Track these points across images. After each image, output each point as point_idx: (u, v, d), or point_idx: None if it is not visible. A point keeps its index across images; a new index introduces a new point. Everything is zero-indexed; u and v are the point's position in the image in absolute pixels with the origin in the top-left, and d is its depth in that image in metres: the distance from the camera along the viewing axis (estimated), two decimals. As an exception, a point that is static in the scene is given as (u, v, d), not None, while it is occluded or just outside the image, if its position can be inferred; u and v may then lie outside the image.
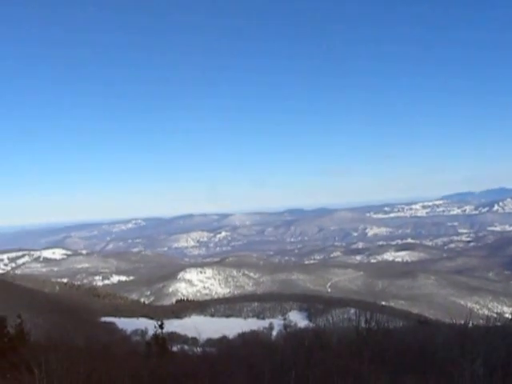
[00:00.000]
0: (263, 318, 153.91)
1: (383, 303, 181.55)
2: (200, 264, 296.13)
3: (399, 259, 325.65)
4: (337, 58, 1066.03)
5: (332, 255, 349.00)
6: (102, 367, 19.43)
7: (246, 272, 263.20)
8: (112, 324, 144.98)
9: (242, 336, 74.98)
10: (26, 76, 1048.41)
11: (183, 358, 24.17)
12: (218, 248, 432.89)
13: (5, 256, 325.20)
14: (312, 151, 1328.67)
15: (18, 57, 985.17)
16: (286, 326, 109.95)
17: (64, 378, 16.06)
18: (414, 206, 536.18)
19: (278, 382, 10.03)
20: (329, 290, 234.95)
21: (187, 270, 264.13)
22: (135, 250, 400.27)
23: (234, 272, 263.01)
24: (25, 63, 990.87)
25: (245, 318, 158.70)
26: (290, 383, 9.82)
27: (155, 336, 26.64)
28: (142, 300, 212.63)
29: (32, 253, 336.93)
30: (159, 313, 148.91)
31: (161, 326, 25.98)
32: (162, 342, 26.30)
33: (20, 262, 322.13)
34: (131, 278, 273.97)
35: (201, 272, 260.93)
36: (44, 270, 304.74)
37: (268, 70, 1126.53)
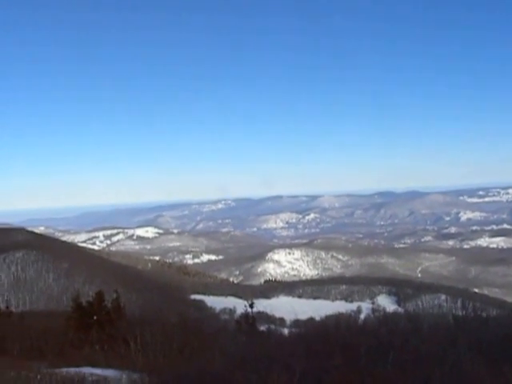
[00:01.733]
0: (351, 301, 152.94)
1: (476, 290, 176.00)
2: (288, 245, 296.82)
3: (494, 245, 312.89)
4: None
5: (423, 239, 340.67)
6: (194, 343, 19.72)
7: (335, 254, 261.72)
8: (201, 302, 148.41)
9: (330, 318, 74.61)
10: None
11: (275, 336, 24.10)
12: (306, 230, 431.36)
13: (100, 233, 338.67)
14: (403, 134, 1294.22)
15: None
16: (374, 310, 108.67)
17: (158, 351, 16.42)
18: (510, 191, 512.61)
19: (374, 364, 9.77)
20: (419, 275, 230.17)
21: (276, 250, 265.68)
22: (224, 230, 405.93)
23: (323, 254, 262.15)
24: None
25: (332, 300, 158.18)
26: (386, 367, 9.53)
27: (245, 314, 26.80)
28: (231, 279, 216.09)
29: (126, 231, 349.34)
30: (247, 292, 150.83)
31: (251, 306, 26.03)
32: (251, 320, 26.43)
33: (115, 239, 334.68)
34: (220, 257, 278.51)
35: (289, 253, 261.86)
36: (137, 247, 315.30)
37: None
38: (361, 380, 9.22)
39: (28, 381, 9.53)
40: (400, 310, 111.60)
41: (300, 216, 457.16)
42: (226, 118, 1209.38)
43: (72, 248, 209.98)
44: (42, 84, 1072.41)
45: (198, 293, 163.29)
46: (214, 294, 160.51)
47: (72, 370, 13.02)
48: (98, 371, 13.32)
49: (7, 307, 33.30)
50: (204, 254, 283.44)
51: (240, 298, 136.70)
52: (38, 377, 9.96)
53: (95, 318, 23.41)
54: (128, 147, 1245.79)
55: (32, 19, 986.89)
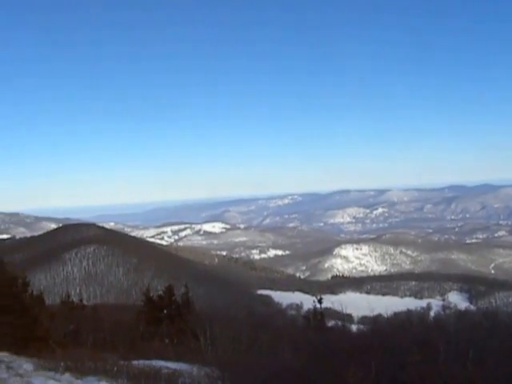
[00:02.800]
0: (420, 298, 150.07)
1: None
2: (356, 240, 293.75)
3: None
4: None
5: (496, 234, 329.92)
6: (263, 337, 19.58)
7: (404, 250, 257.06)
8: (268, 297, 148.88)
9: (400, 315, 73.22)
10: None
11: (347, 332, 23.67)
12: (374, 224, 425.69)
13: (168, 229, 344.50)
14: (475, 125, 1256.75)
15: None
16: (444, 308, 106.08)
17: (227, 345, 16.34)
18: None
19: (453, 362, 9.30)
20: (492, 272, 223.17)
21: (343, 246, 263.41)
22: (291, 225, 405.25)
23: (391, 249, 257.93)
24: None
25: (401, 296, 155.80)
26: (466, 365, 9.04)
27: (314, 310, 26.56)
28: (298, 275, 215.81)
29: (193, 226, 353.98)
30: (314, 288, 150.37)
31: (319, 301, 25.80)
32: (320, 316, 26.19)
33: (182, 234, 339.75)
34: (287, 252, 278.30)
35: (357, 248, 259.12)
36: (204, 242, 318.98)
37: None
38: (440, 377, 8.82)
39: (105, 372, 9.60)
40: (472, 307, 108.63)
41: (368, 211, 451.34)
42: (299, 111, 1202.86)
43: (141, 243, 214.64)
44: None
45: (265, 288, 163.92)
46: (280, 290, 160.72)
47: (143, 362, 13.07)
48: (168, 364, 13.32)
49: (80, 300, 34.12)
50: (271, 249, 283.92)
51: (307, 293, 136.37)
52: (115, 368, 10.04)
53: (165, 312, 23.66)
54: (197, 143, 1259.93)
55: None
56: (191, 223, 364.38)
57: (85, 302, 42.36)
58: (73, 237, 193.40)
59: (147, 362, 13.05)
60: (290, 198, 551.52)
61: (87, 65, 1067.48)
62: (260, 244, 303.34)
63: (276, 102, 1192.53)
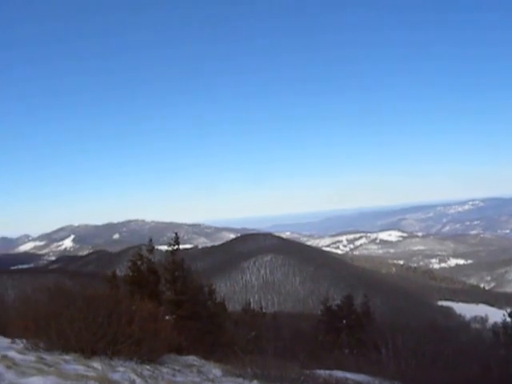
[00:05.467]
0: None
1: None
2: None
3: None
4: None
5: None
6: (447, 352, 18.73)
7: None
8: (449, 308, 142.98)
9: None
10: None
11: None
12: None
13: (344, 238, 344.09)
14: None
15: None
16: None
17: (410, 358, 15.84)
18: None
19: None
20: None
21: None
22: (473, 232, 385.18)
23: None
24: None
25: None
26: None
27: (503, 324, 24.88)
28: (482, 285, 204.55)
29: (368, 235, 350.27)
30: (501, 300, 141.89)
31: (510, 315, 24.09)
32: (511, 331, 24.46)
33: (357, 243, 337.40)
34: (469, 261, 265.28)
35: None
36: (380, 251, 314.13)
37: None
38: None
39: (291, 381, 9.73)
40: None
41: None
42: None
43: (317, 252, 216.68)
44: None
45: (446, 299, 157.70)
46: (462, 301, 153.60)
47: (323, 372, 13.03)
48: (350, 375, 13.17)
49: (261, 308, 35.08)
50: (451, 258, 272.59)
51: (492, 305, 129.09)
52: (301, 378, 10.15)
53: (344, 321, 23.57)
54: (358, 150, 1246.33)
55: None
56: (367, 232, 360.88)
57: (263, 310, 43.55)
58: (250, 246, 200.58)
59: (328, 372, 12.99)
60: (470, 203, 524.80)
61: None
62: (439, 252, 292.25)
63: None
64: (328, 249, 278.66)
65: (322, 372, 12.87)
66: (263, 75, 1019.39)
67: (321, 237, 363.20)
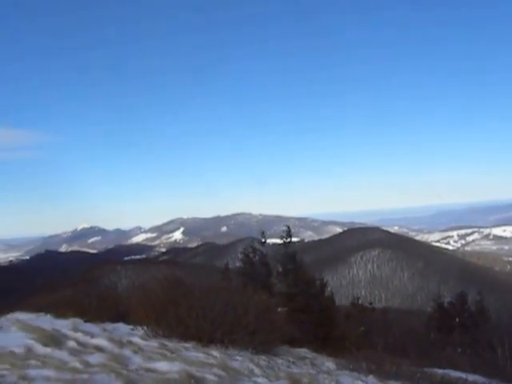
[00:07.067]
0: None
1: None
2: None
3: None
4: None
5: None
6: None
7: None
8: None
9: None
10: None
11: None
12: None
13: (454, 233, 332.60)
14: None
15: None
16: None
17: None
18: None
19: None
20: None
21: None
22: None
23: None
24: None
25: None
26: None
27: None
28: None
29: (481, 230, 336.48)
30: None
31: None
32: None
33: (469, 239, 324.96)
34: None
35: None
36: (494, 247, 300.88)
37: None
38: None
39: (407, 378, 9.69)
40: None
41: None
42: None
43: (426, 247, 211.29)
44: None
45: None
46: None
47: (436, 371, 12.81)
48: (464, 375, 12.85)
49: (370, 303, 34.84)
50: None
51: None
52: (418, 375, 10.10)
53: (457, 320, 22.96)
54: (468, 144, 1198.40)
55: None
56: (479, 227, 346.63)
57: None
58: (358, 240, 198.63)
59: (440, 371, 12.76)
60: None
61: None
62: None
63: None
64: (438, 244, 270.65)
65: (433, 370, 12.68)
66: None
67: (430, 232, 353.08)
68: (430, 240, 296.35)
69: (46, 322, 9.45)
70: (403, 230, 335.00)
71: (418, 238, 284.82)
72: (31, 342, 7.12)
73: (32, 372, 5.39)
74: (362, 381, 8.59)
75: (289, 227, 20.03)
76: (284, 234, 19.20)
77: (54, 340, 7.50)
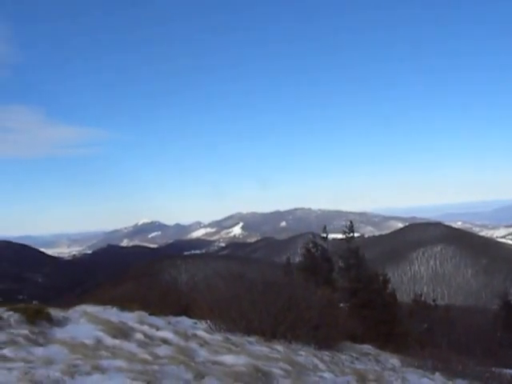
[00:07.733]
0: None
1: None
2: None
3: None
4: None
5: None
6: None
7: None
8: None
9: None
10: None
11: None
12: None
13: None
14: None
15: None
16: None
17: None
18: None
19: None
20: None
21: None
22: None
23: None
24: None
25: None
26: None
27: None
28: None
29: None
30: None
31: None
32: None
33: None
34: None
35: None
36: None
37: None
38: None
39: (476, 377, 9.51)
40: None
41: None
42: None
43: (490, 243, 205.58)
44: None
45: None
46: None
47: (504, 371, 12.47)
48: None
49: (433, 300, 34.16)
50: None
51: None
52: (486, 375, 9.89)
53: (526, 318, 22.31)
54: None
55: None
56: None
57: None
58: (419, 236, 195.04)
59: (510, 372, 12.42)
60: None
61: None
62: None
63: None
64: (503, 240, 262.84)
65: (507, 370, 12.36)
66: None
67: (495, 227, 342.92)
68: (495, 236, 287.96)
69: (113, 314, 9.69)
70: (467, 226, 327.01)
71: (482, 233, 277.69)
72: (100, 334, 7.33)
73: (104, 362, 5.54)
74: (428, 378, 8.46)
75: (351, 222, 19.89)
76: (346, 229, 19.07)
77: (122, 332, 7.69)
